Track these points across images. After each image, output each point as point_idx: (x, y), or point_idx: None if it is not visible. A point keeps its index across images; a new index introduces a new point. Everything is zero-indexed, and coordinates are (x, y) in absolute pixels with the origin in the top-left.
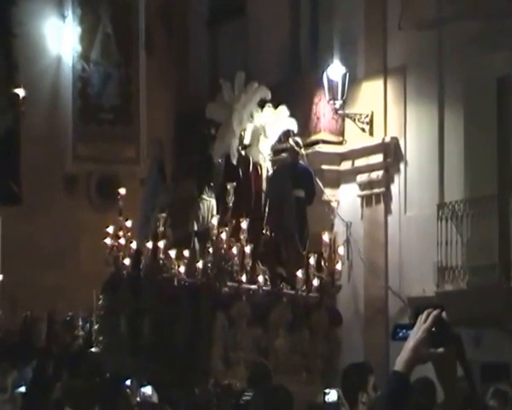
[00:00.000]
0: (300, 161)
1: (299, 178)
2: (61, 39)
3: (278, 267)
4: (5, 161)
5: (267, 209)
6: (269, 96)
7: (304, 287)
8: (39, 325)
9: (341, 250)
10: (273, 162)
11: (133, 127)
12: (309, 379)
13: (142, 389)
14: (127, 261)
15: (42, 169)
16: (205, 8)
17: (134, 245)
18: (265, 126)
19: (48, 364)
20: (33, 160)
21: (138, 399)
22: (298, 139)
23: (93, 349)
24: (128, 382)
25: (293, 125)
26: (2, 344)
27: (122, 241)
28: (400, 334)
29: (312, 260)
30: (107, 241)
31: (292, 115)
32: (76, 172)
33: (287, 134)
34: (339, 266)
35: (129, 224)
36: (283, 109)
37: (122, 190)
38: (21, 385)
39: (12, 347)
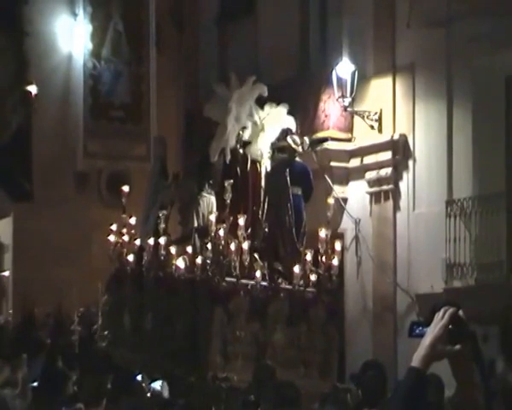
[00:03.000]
0: (297, 159)
1: (296, 175)
2: (72, 37)
3: (276, 263)
4: (17, 158)
5: (265, 206)
6: (266, 93)
7: (301, 282)
8: (51, 320)
9: (338, 246)
10: (272, 160)
11: (143, 125)
12: (306, 373)
13: (152, 385)
14: (131, 258)
15: (53, 166)
16: (215, 6)
17: (138, 242)
18: (264, 124)
19: (56, 359)
20: (44, 156)
21: (149, 395)
22: (295, 137)
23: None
24: (139, 377)
25: (291, 123)
26: (12, 340)
27: (126, 238)
28: (417, 331)
29: (309, 256)
30: (111, 238)
31: (301, 113)
32: (87, 168)
33: (285, 132)
34: (335, 262)
35: (133, 221)
36: (282, 107)
37: (125, 188)
38: (34, 380)
39: (21, 342)
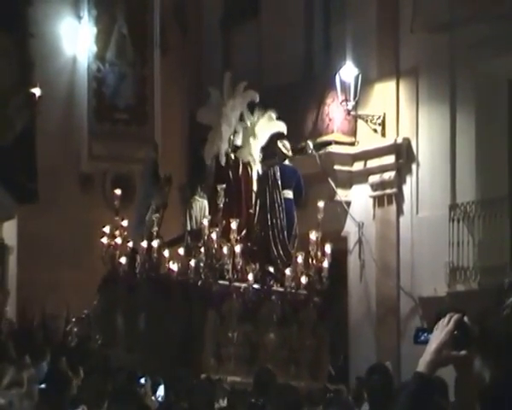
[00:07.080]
0: (287, 162)
1: (287, 179)
2: (76, 39)
3: (268, 265)
4: (21, 160)
5: (257, 209)
6: (257, 99)
7: (292, 284)
8: (57, 322)
9: (328, 249)
10: (263, 164)
11: (148, 127)
12: (297, 372)
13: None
14: (123, 260)
15: (57, 168)
16: (219, 8)
17: (131, 244)
18: (255, 129)
19: (61, 360)
20: (49, 158)
21: (153, 398)
22: (286, 142)
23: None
24: (143, 380)
25: (281, 127)
26: (16, 341)
27: (118, 240)
28: (422, 337)
29: (300, 259)
30: (104, 240)
31: (305, 116)
32: (91, 170)
33: (275, 137)
34: (325, 264)
35: (125, 223)
36: (272, 112)
37: (118, 191)
38: (40, 382)
39: (27, 343)
